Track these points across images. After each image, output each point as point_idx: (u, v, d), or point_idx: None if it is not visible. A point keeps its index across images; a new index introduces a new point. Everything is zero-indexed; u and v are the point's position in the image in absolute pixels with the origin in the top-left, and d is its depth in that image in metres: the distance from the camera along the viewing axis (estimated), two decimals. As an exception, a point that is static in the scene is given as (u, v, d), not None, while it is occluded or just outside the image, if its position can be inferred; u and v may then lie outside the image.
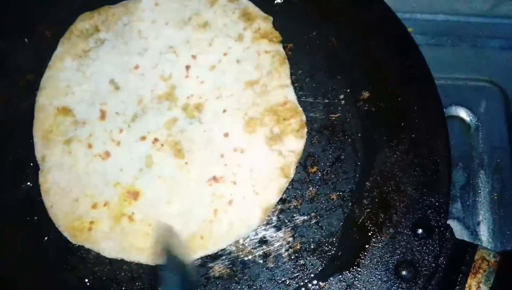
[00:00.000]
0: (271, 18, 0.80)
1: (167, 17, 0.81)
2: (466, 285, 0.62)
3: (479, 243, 0.67)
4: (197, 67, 0.78)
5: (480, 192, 0.80)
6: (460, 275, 0.62)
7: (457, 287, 0.62)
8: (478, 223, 0.78)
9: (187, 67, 0.78)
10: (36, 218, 0.71)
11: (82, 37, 0.80)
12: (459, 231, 0.77)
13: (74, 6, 0.83)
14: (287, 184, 0.71)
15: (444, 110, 0.80)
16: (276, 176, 0.71)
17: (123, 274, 0.68)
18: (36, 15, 0.83)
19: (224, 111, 0.75)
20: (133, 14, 0.81)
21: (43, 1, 0.83)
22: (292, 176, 0.72)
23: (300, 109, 0.75)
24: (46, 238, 0.70)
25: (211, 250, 0.68)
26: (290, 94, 0.76)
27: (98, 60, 0.78)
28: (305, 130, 0.74)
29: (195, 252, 0.68)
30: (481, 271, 0.62)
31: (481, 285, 0.61)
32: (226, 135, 0.74)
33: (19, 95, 0.79)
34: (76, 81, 0.77)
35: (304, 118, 0.74)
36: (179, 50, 0.79)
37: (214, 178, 0.71)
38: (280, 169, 0.72)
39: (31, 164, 0.74)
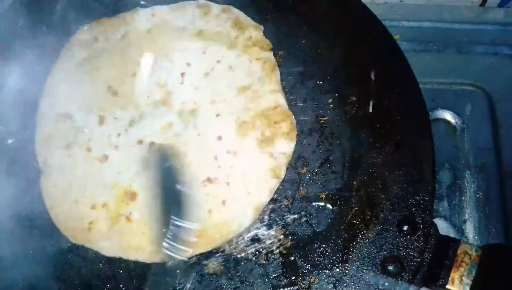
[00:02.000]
0: (261, 27, 0.84)
1: (162, 27, 0.85)
2: (449, 278, 0.64)
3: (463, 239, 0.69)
4: (191, 74, 0.82)
5: (466, 192, 0.82)
6: (444, 269, 0.65)
7: (441, 281, 0.64)
8: (464, 221, 0.80)
9: (182, 74, 0.82)
10: (37, 219, 0.74)
11: (82, 47, 0.84)
12: (446, 229, 0.80)
13: (73, 19, 0.86)
14: (278, 184, 0.74)
15: (431, 113, 0.83)
16: (267, 177, 0.74)
17: (121, 272, 0.71)
18: (38, 26, 0.87)
19: (218, 115, 0.78)
20: (130, 25, 0.85)
21: (43, 13, 0.87)
22: (282, 177, 0.74)
23: (290, 113, 0.78)
24: (47, 237, 0.73)
25: (205, 248, 0.71)
26: (280, 99, 0.79)
27: (96, 68, 0.82)
28: (295, 133, 0.77)
29: (189, 250, 0.71)
30: (463, 264, 0.64)
31: (463, 278, 0.64)
32: (219, 138, 0.77)
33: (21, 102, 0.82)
34: (75, 89, 0.81)
35: (294, 121, 0.77)
36: (174, 58, 0.83)
37: (208, 179, 0.74)
38: (271, 170, 0.74)
39: (33, 168, 0.77)
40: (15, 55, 0.83)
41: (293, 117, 0.78)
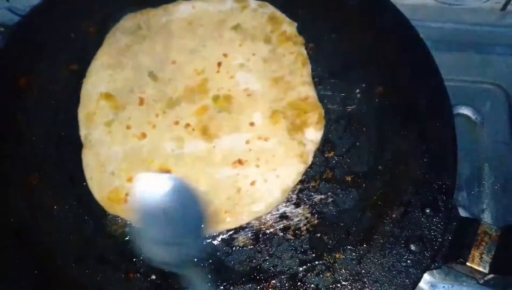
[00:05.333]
0: (295, 24, 0.88)
1: (202, 19, 0.90)
2: (470, 256, 0.67)
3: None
4: (227, 64, 0.86)
5: (484, 183, 0.86)
6: (464, 248, 0.68)
7: (461, 258, 0.68)
8: (483, 211, 0.84)
9: (219, 64, 0.86)
10: (77, 190, 0.79)
11: (126, 34, 0.89)
12: (465, 217, 0.83)
13: (117, 8, 0.92)
14: (305, 169, 0.78)
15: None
16: (295, 162, 0.78)
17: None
18: (82, 13, 0.92)
19: (251, 103, 0.83)
20: (172, 15, 0.90)
21: (89, 2, 0.93)
22: (310, 162, 0.78)
23: (319, 104, 0.82)
24: (86, 208, 0.77)
25: (233, 224, 0.75)
26: (310, 91, 0.83)
27: (139, 54, 0.87)
28: (323, 123, 0.81)
29: (219, 225, 0.75)
30: (483, 243, 0.68)
31: (483, 255, 0.67)
32: (251, 124, 0.81)
33: (63, 82, 0.87)
34: (118, 71, 0.86)
35: (322, 112, 0.81)
36: (212, 48, 0.87)
37: (239, 161, 0.78)
38: (299, 156, 0.78)
39: (74, 142, 0.81)
40: (64, 39, 0.90)
41: (322, 108, 0.82)
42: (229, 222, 0.75)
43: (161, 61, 0.87)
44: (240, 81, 0.85)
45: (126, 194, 0.77)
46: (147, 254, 0.70)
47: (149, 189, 0.71)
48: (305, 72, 0.85)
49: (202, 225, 0.71)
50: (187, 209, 0.71)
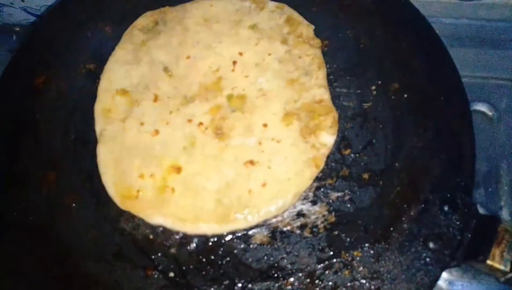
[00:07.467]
0: (312, 26, 0.88)
1: (219, 17, 0.90)
2: (490, 254, 0.67)
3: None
4: (243, 63, 0.86)
5: (501, 180, 0.85)
6: (484, 246, 0.68)
7: (481, 256, 0.67)
8: (501, 208, 0.83)
9: (234, 62, 0.86)
10: (95, 187, 0.79)
11: (142, 31, 0.90)
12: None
13: (134, 8, 0.93)
14: (317, 173, 0.77)
15: (468, 104, 0.86)
16: (308, 166, 0.77)
17: (171, 241, 0.75)
18: (99, 13, 0.93)
19: (265, 103, 0.82)
20: (189, 12, 0.91)
21: (105, 2, 0.94)
22: (322, 167, 0.78)
23: (333, 108, 0.81)
24: (103, 205, 0.78)
25: (243, 224, 0.75)
26: (325, 94, 0.83)
27: (154, 49, 0.87)
28: (337, 127, 0.80)
29: (228, 224, 0.74)
30: (504, 241, 0.67)
31: (504, 254, 0.66)
32: (265, 125, 0.81)
33: (81, 81, 0.88)
34: (134, 67, 0.86)
35: (337, 116, 0.81)
36: (227, 45, 0.87)
37: (251, 162, 0.78)
38: (312, 159, 0.78)
39: (91, 140, 0.82)
40: (81, 39, 0.91)
41: (336, 112, 0.81)
42: (239, 221, 0.75)
43: (175, 55, 0.87)
44: (255, 80, 0.84)
45: (138, 191, 0.77)
46: None
47: None
48: (321, 74, 0.84)
49: None
50: None
